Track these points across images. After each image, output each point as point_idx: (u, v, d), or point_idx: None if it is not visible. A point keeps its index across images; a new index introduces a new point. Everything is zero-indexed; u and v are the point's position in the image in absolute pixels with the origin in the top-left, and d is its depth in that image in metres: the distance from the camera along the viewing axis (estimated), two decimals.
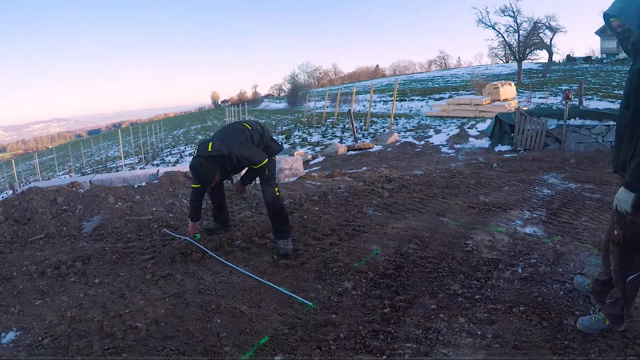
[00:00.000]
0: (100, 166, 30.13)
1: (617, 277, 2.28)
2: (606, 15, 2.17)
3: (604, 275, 2.54)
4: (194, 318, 2.78)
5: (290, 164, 8.47)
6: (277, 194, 3.77)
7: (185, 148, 28.99)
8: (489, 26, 38.43)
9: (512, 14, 36.65)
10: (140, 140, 35.79)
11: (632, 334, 2.37)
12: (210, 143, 3.51)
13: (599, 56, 53.88)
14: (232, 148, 3.50)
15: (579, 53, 64.10)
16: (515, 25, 36.91)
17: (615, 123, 8.54)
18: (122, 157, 22.39)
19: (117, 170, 23.41)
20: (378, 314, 2.67)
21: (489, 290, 2.94)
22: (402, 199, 5.33)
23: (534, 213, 4.80)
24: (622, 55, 48.34)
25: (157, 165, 22.63)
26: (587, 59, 54.90)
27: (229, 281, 3.27)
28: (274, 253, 3.73)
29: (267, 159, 3.63)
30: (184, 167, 7.02)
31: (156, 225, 4.52)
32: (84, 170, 29.31)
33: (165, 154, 28.08)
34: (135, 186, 5.71)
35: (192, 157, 3.65)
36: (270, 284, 3.16)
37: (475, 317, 2.61)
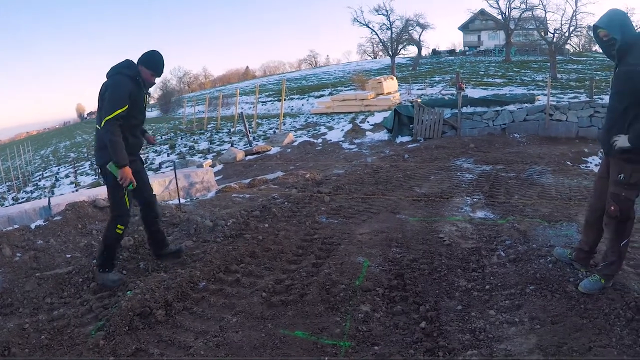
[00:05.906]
0: None
1: (613, 244, 2.68)
2: (595, 27, 2.66)
3: (585, 245, 2.95)
4: None
5: (202, 177, 7.80)
6: (119, 232, 3.22)
7: (58, 169, 25.32)
8: (364, 24, 40.69)
9: (386, 13, 39.37)
10: (2, 165, 30.22)
11: (619, 286, 2.70)
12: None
13: (462, 49, 60.60)
14: None
15: (443, 47, 71.47)
16: (389, 23, 39.70)
17: (501, 108, 9.69)
18: None
19: None
20: (417, 331, 2.47)
21: (491, 278, 3.02)
22: (346, 202, 5.23)
23: (474, 198, 5.10)
24: (483, 47, 55.50)
25: (31, 192, 19.26)
26: (452, 52, 61.32)
27: (228, 341, 2.51)
28: (258, 290, 3.05)
29: (125, 107, 3.07)
30: (88, 193, 5.78)
31: (81, 279, 3.40)
32: None
33: (37, 178, 24.22)
34: (32, 227, 4.42)
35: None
36: (287, 332, 2.57)
37: (501, 306, 2.66)
